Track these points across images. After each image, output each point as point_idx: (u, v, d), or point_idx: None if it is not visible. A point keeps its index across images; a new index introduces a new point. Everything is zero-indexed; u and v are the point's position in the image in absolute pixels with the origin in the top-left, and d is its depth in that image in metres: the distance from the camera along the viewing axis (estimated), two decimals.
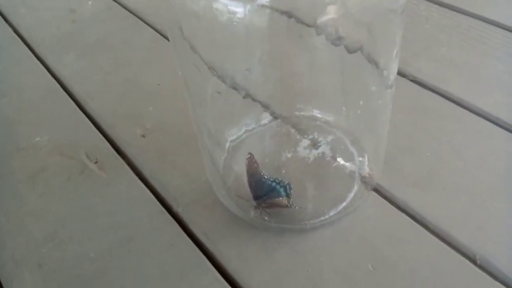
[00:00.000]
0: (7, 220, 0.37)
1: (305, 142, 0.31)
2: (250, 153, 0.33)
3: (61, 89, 0.49)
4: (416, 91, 0.43)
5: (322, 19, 0.26)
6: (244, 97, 0.34)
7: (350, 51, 0.29)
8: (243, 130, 0.37)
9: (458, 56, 0.47)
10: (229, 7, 0.25)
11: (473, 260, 0.31)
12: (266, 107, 0.36)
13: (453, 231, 0.32)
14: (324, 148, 0.31)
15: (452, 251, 0.31)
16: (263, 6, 0.26)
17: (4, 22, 0.62)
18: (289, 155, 0.32)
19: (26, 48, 0.56)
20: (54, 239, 0.35)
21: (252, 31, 0.29)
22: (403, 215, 0.33)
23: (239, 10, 0.25)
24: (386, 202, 0.34)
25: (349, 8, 0.26)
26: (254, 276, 0.31)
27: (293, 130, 0.35)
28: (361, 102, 0.33)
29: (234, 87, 0.33)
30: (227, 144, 0.36)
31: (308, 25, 0.28)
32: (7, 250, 0.35)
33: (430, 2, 0.54)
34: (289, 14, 0.29)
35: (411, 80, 0.44)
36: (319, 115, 0.37)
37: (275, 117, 0.37)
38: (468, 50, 0.48)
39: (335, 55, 0.30)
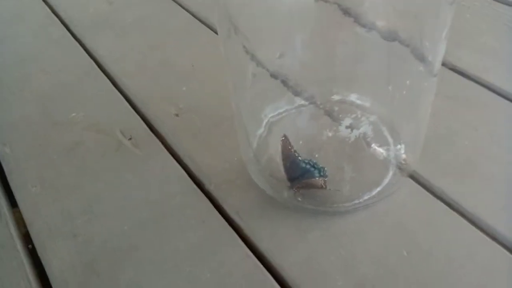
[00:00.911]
0: (43, 191, 0.38)
1: (347, 121, 0.30)
2: (284, 135, 0.33)
3: (97, 68, 0.50)
4: (455, 80, 0.42)
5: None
6: (282, 82, 0.33)
7: (392, 39, 0.28)
8: (281, 110, 0.36)
9: (499, 46, 0.46)
10: None
11: (510, 250, 0.30)
12: (304, 91, 0.36)
13: (491, 220, 0.31)
14: (365, 129, 0.31)
15: (489, 240, 0.30)
16: None
17: (42, 3, 0.63)
18: (329, 134, 0.32)
19: (64, 29, 0.57)
20: (88, 212, 0.35)
21: (297, 13, 0.29)
22: (440, 202, 0.33)
23: None
24: (422, 189, 0.34)
25: None
26: (285, 256, 0.31)
27: (330, 112, 0.35)
28: (403, 89, 0.32)
29: (273, 71, 0.33)
30: (265, 121, 0.36)
31: (352, 12, 0.28)
32: (42, 219, 0.35)
33: None
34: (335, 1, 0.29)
35: (450, 69, 0.43)
36: (358, 101, 0.36)
37: (312, 101, 0.37)
38: (509, 40, 0.46)
39: (378, 41, 0.30)
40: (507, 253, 0.30)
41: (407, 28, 0.28)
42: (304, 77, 0.35)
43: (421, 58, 0.29)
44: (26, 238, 0.35)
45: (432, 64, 0.29)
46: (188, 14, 0.57)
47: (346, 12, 0.28)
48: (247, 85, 0.33)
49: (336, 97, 0.36)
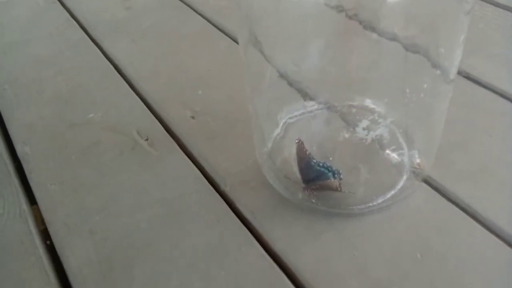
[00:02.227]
0: (61, 189, 0.38)
1: (365, 123, 0.31)
2: (299, 139, 0.33)
3: (114, 71, 0.51)
4: (469, 88, 0.43)
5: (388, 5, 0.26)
6: (298, 90, 0.34)
7: (410, 50, 0.29)
8: (298, 112, 0.37)
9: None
10: None
11: None
12: (319, 95, 0.37)
13: (504, 224, 0.32)
14: (382, 131, 0.31)
15: (504, 245, 0.31)
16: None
17: (61, 7, 0.64)
18: (346, 135, 0.32)
19: (82, 32, 0.58)
20: (105, 210, 0.36)
21: (314, 20, 0.30)
22: (454, 207, 0.33)
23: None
24: (437, 194, 0.34)
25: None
26: (299, 256, 0.31)
27: (345, 116, 0.35)
28: (419, 95, 0.32)
29: (290, 77, 0.34)
30: (281, 123, 0.36)
31: (369, 21, 0.29)
32: (60, 217, 0.36)
33: (485, 1, 0.54)
34: (353, 12, 0.29)
35: (464, 77, 0.44)
36: (373, 106, 0.37)
37: (328, 106, 0.37)
38: None
39: (395, 47, 0.30)
40: None
41: (424, 36, 0.29)
42: (320, 83, 0.35)
43: (437, 62, 0.30)
44: (45, 235, 0.35)
45: (448, 70, 0.30)
46: (203, 19, 0.58)
47: (363, 23, 0.29)
48: (265, 89, 0.34)
49: (351, 102, 0.37)
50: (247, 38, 0.30)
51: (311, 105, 0.37)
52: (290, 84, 0.34)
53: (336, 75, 0.34)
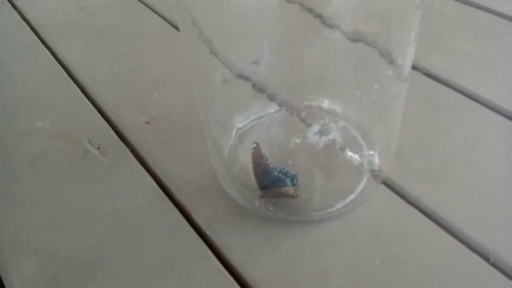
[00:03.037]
0: (5, 204, 0.36)
1: (315, 127, 0.29)
2: (255, 143, 0.32)
3: (66, 75, 0.48)
4: (429, 85, 0.42)
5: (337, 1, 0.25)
6: (252, 87, 0.33)
7: (356, 39, 0.28)
8: (251, 118, 0.36)
9: (473, 51, 0.46)
10: None
11: (486, 258, 0.29)
12: (274, 96, 0.35)
13: (466, 227, 0.31)
14: (334, 135, 0.30)
15: (464, 248, 0.30)
16: None
17: (12, 8, 0.61)
18: (298, 141, 0.31)
19: (33, 34, 0.56)
20: (53, 225, 0.34)
21: (262, 18, 0.29)
22: (414, 209, 0.32)
23: None
24: (396, 196, 0.33)
25: None
26: (257, 267, 0.30)
27: (301, 118, 0.34)
28: (373, 94, 0.32)
29: (242, 76, 0.32)
30: (234, 131, 0.35)
31: (320, 15, 0.28)
32: (4, 234, 0.34)
33: None
34: (300, 2, 0.28)
35: (424, 74, 0.43)
36: (328, 106, 0.36)
37: (283, 107, 0.36)
38: (483, 44, 0.46)
39: (348, 45, 0.29)
40: (483, 261, 0.29)
41: (374, 30, 0.28)
42: (274, 82, 0.34)
43: (390, 60, 0.29)
44: None
45: (401, 68, 0.29)
46: (160, 18, 0.56)
47: (309, 11, 0.28)
48: (215, 93, 0.32)
49: (308, 103, 0.35)
50: (191, 35, 0.28)
51: (266, 109, 0.35)
52: (252, 84, 0.33)
53: (292, 74, 0.33)
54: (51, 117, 0.43)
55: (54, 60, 0.51)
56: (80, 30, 0.56)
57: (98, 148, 0.39)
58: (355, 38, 0.28)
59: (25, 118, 0.44)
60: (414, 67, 0.43)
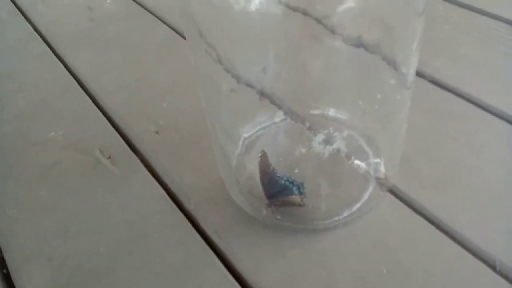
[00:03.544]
0: (18, 213, 0.37)
1: (320, 137, 0.30)
2: (262, 151, 0.32)
3: (77, 85, 0.49)
4: (434, 92, 0.42)
5: (340, 9, 0.25)
6: (258, 96, 0.33)
7: (358, 45, 0.28)
8: (257, 128, 0.36)
9: (478, 57, 0.46)
10: None
11: (492, 266, 0.29)
12: (280, 105, 0.36)
13: (472, 235, 0.31)
14: (339, 144, 0.30)
15: (470, 256, 0.30)
16: None
17: (23, 19, 0.63)
18: (303, 150, 0.32)
19: (45, 45, 0.57)
20: (64, 234, 0.35)
21: (267, 27, 0.29)
22: (420, 217, 0.32)
23: None
24: (402, 204, 0.33)
25: None
26: (264, 275, 0.31)
27: (307, 127, 0.34)
28: (377, 102, 0.32)
29: (248, 85, 0.33)
30: (241, 141, 0.35)
31: (323, 23, 0.28)
32: (17, 243, 0.35)
33: (449, 2, 0.53)
34: (304, 11, 0.29)
35: (430, 81, 0.43)
36: (334, 114, 0.36)
37: (289, 116, 0.36)
38: (488, 51, 0.47)
39: (352, 53, 0.29)
40: (489, 269, 0.29)
41: (377, 38, 0.28)
42: (280, 91, 0.34)
43: (393, 67, 0.29)
44: (1, 263, 0.34)
45: (405, 76, 0.29)
46: (169, 28, 0.57)
47: (313, 19, 0.28)
48: (221, 102, 0.33)
49: (313, 112, 0.36)
50: (198, 45, 0.29)
51: (275, 117, 0.36)
52: (258, 93, 0.33)
53: (297, 83, 0.33)
54: (62, 127, 0.44)
55: (65, 70, 0.52)
56: (90, 40, 0.57)
57: (109, 157, 0.40)
58: (359, 46, 0.29)
59: (37, 128, 0.45)
60: (419, 74, 0.43)
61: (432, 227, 0.32)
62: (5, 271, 0.33)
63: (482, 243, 0.30)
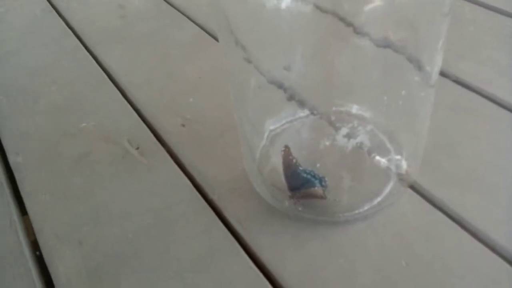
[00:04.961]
0: (52, 199, 0.39)
1: (344, 130, 0.31)
2: (286, 146, 0.33)
3: (108, 79, 0.51)
4: (458, 91, 0.42)
5: (367, 8, 0.26)
6: (284, 92, 0.34)
7: (385, 45, 0.29)
8: (283, 121, 0.37)
9: (503, 59, 0.46)
10: None
11: (510, 262, 0.30)
12: (304, 101, 0.37)
13: (492, 232, 0.31)
14: (362, 138, 0.31)
15: (490, 252, 0.30)
16: None
17: (57, 16, 0.65)
18: (327, 143, 0.32)
19: (77, 41, 0.59)
20: (95, 220, 0.36)
21: (296, 25, 0.30)
22: (440, 213, 0.33)
23: None
24: (423, 200, 0.34)
25: None
26: (286, 265, 0.31)
27: (331, 122, 0.35)
28: (401, 100, 0.32)
29: (275, 82, 0.34)
30: (267, 133, 0.36)
31: (350, 23, 0.29)
32: (50, 227, 0.36)
33: (475, 4, 0.53)
34: (332, 10, 0.30)
35: (454, 81, 0.43)
36: (358, 111, 0.37)
37: (313, 112, 0.37)
38: None
39: (377, 52, 0.30)
40: (507, 265, 0.30)
41: (402, 37, 0.29)
42: (307, 88, 0.35)
43: (418, 66, 0.30)
44: (35, 245, 0.36)
45: (429, 74, 0.30)
46: (196, 26, 0.58)
47: (341, 19, 0.29)
48: (249, 97, 0.34)
49: (337, 108, 0.37)
50: (228, 42, 0.30)
51: (298, 113, 0.37)
52: (285, 90, 0.34)
53: (323, 80, 0.34)
54: (94, 118, 0.46)
55: (96, 65, 0.54)
56: (120, 37, 0.59)
57: (137, 148, 0.42)
58: (384, 45, 0.29)
59: (70, 120, 0.46)
60: (444, 74, 0.44)
61: (452, 223, 0.32)
62: (38, 253, 0.35)
63: (502, 239, 0.31)
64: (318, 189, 0.32)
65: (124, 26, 0.61)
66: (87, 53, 0.56)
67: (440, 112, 0.35)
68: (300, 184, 0.33)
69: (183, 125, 0.44)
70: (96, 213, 0.37)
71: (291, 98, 0.35)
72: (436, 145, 0.37)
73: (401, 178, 0.34)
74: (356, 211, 0.33)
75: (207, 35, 0.56)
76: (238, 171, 0.38)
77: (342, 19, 0.29)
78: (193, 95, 0.47)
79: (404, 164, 0.35)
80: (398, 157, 0.35)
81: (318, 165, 0.34)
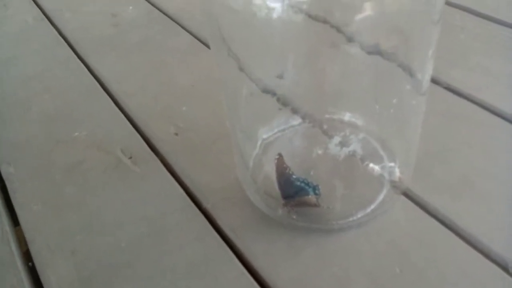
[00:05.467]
0: (44, 208, 0.38)
1: (337, 139, 0.31)
2: (279, 154, 0.33)
3: (100, 88, 0.51)
4: (449, 98, 0.43)
5: (358, 17, 0.26)
6: (277, 100, 0.34)
7: (375, 52, 0.29)
8: (275, 130, 0.37)
9: (493, 66, 0.46)
10: (267, 2, 0.25)
11: (505, 269, 0.30)
12: (297, 109, 0.37)
13: (485, 238, 0.32)
14: (355, 146, 0.31)
15: (483, 259, 0.31)
16: (299, 2, 0.27)
17: (50, 25, 0.65)
18: (319, 152, 0.33)
19: (70, 50, 0.59)
20: (87, 229, 0.36)
21: (287, 34, 0.30)
22: (433, 220, 0.33)
23: (277, 5, 0.26)
24: (416, 207, 0.34)
25: (385, 6, 0.26)
26: (280, 273, 0.31)
27: (324, 130, 0.35)
28: (392, 108, 0.33)
29: (267, 91, 0.34)
30: (259, 142, 0.37)
31: (342, 31, 0.29)
32: (43, 237, 0.36)
33: (465, 11, 0.54)
34: (324, 19, 0.30)
35: (445, 88, 0.44)
36: (350, 119, 0.37)
37: (306, 119, 0.37)
38: (503, 59, 0.47)
39: (369, 60, 0.30)
40: (501, 271, 0.30)
41: (393, 45, 0.29)
42: (298, 96, 0.35)
43: (409, 73, 0.30)
44: (27, 256, 0.35)
45: (420, 82, 0.30)
46: (189, 34, 0.58)
47: (332, 27, 0.29)
48: (242, 106, 0.34)
49: (329, 116, 0.37)
50: (221, 51, 0.30)
51: (290, 121, 0.37)
52: (277, 98, 0.34)
53: (315, 88, 0.34)
54: (86, 127, 0.46)
55: (89, 74, 0.54)
56: (113, 45, 0.59)
57: (130, 157, 0.42)
58: (376, 53, 0.30)
59: (62, 128, 0.46)
60: (435, 81, 0.44)
61: (446, 230, 0.32)
62: (30, 264, 0.35)
63: (496, 245, 0.31)
64: (311, 197, 0.32)
65: (117, 34, 0.61)
66: (80, 62, 0.56)
67: (431, 119, 0.35)
68: (293, 192, 0.33)
69: (176, 134, 0.44)
70: (89, 222, 0.37)
71: (283, 106, 0.35)
72: (428, 152, 0.37)
73: (394, 185, 0.34)
74: (350, 219, 0.33)
75: (200, 43, 0.56)
76: (232, 180, 0.38)
77: (334, 28, 0.29)
78: (186, 103, 0.47)
79: (397, 171, 0.35)
80: (391, 164, 0.35)
81: (311, 172, 0.34)
